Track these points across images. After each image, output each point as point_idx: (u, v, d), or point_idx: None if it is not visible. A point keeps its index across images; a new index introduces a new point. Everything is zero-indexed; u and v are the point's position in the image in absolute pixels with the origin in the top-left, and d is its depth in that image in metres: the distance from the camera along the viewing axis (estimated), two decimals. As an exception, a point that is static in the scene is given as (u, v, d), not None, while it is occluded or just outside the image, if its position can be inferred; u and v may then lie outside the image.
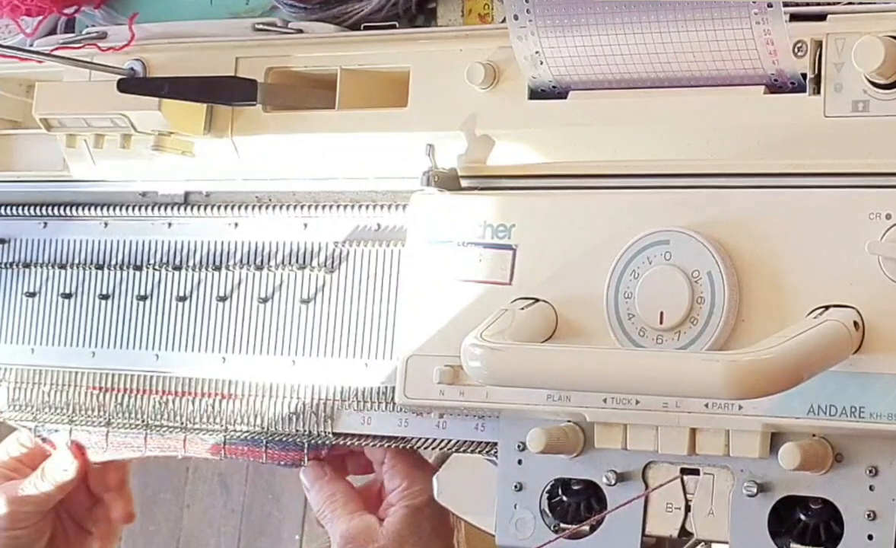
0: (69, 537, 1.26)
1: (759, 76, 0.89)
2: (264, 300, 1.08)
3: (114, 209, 1.13)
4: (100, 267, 1.14)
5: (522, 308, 0.93)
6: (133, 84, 1.04)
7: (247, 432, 1.09)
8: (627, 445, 0.93)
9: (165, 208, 1.11)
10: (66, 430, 1.17)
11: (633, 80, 0.92)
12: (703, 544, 0.96)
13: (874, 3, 0.87)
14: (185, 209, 1.11)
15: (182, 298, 1.11)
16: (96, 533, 1.27)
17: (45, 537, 1.23)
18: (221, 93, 1.02)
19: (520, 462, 0.97)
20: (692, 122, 0.91)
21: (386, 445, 1.05)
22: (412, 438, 1.04)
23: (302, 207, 1.07)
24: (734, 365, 0.82)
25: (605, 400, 0.92)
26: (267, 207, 1.08)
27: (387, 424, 1.04)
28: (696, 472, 0.93)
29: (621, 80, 0.92)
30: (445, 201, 0.97)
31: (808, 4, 0.89)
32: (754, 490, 0.90)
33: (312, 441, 1.08)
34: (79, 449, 1.18)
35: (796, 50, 0.88)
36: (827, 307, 0.87)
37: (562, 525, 0.96)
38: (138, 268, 1.12)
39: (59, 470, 1.19)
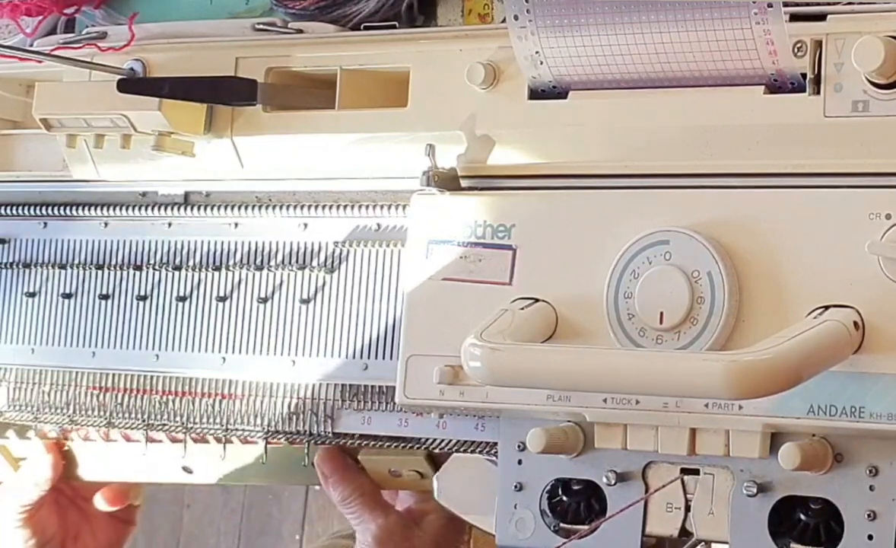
0: (94, 525, 1.26)
1: (759, 76, 0.89)
2: (264, 300, 1.08)
3: (114, 209, 1.13)
4: (100, 267, 1.14)
5: (522, 308, 0.93)
6: (133, 84, 1.04)
7: (247, 431, 1.09)
8: (627, 445, 0.93)
9: (165, 208, 1.11)
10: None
11: (633, 80, 0.92)
12: (703, 544, 0.96)
13: (874, 3, 0.87)
14: (185, 209, 1.11)
15: (182, 298, 1.11)
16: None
17: (50, 529, 1.23)
18: (221, 93, 1.02)
19: (520, 462, 0.97)
20: (692, 122, 0.91)
21: (386, 445, 1.06)
22: (412, 438, 1.04)
23: (302, 207, 1.07)
24: (734, 365, 0.82)
25: (605, 400, 0.92)
26: (267, 207, 1.08)
27: (387, 424, 1.05)
28: (696, 472, 0.93)
29: (621, 80, 0.92)
30: (445, 201, 0.97)
31: (808, 4, 0.89)
32: (754, 490, 0.90)
33: (313, 441, 1.08)
34: (54, 447, 1.19)
35: (796, 50, 0.88)
36: (827, 307, 0.87)
37: (562, 525, 0.96)
38: (138, 268, 1.12)
39: (36, 470, 1.20)
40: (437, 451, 1.05)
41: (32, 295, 1.16)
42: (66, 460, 1.21)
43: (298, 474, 1.13)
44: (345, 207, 1.05)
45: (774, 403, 0.87)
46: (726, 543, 0.92)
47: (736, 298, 0.89)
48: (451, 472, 1.04)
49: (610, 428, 0.93)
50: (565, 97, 0.94)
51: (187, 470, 1.16)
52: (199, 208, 1.10)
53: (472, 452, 1.02)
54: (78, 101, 1.06)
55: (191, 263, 1.11)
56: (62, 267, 1.15)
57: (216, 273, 1.10)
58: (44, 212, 1.16)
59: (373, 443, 1.06)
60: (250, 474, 1.15)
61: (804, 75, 0.88)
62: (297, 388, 1.07)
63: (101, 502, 1.26)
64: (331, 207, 1.06)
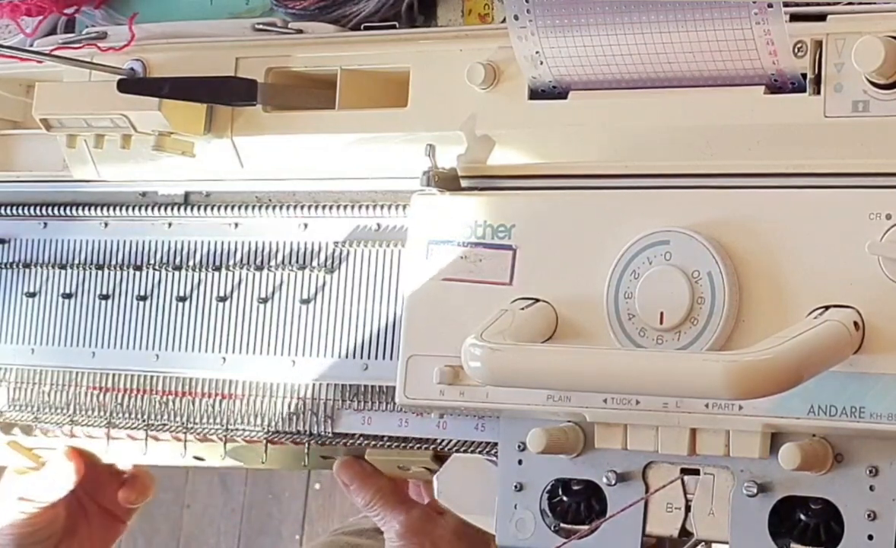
0: (91, 520, 1.27)
1: (759, 76, 0.89)
2: (264, 300, 1.08)
3: (114, 209, 1.13)
4: (100, 267, 1.14)
5: (522, 308, 0.93)
6: (133, 84, 1.04)
7: (247, 431, 1.09)
8: (627, 445, 0.93)
9: (165, 208, 1.11)
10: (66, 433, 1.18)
11: (633, 80, 0.92)
12: (703, 544, 0.96)
13: (874, 3, 0.87)
14: (185, 209, 1.11)
15: (182, 298, 1.11)
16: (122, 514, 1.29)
17: (57, 523, 1.23)
18: (221, 93, 1.02)
19: (520, 462, 0.97)
20: (692, 122, 0.91)
21: (387, 445, 1.06)
22: (412, 438, 1.04)
23: (302, 207, 1.07)
24: (734, 365, 0.82)
25: (605, 400, 0.92)
26: (267, 207, 1.08)
27: (387, 424, 1.05)
28: (696, 472, 0.93)
29: (621, 80, 0.92)
30: (445, 201, 0.97)
31: (808, 4, 0.89)
32: (754, 490, 0.90)
33: (313, 441, 1.08)
34: (76, 453, 1.19)
35: (796, 50, 0.88)
36: (827, 307, 0.87)
37: (562, 525, 0.96)
38: (138, 268, 1.12)
39: (60, 475, 1.20)
40: (438, 450, 1.05)
41: (32, 295, 1.16)
42: (87, 462, 1.21)
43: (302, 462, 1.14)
44: (345, 207, 1.05)
45: (774, 404, 0.87)
46: (726, 543, 0.92)
47: (736, 298, 0.89)
48: (451, 472, 1.04)
49: (610, 428, 0.93)
50: (565, 97, 0.94)
51: (199, 458, 1.17)
52: (199, 208, 1.10)
53: (472, 452, 1.02)
54: (78, 101, 1.06)
55: (191, 263, 1.11)
56: (62, 267, 1.15)
57: (216, 273, 1.10)
58: (44, 212, 1.15)
59: (374, 443, 1.06)
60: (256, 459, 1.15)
61: (804, 75, 0.88)
62: (297, 388, 1.07)
63: (124, 497, 1.26)
64: (331, 207, 1.06)
